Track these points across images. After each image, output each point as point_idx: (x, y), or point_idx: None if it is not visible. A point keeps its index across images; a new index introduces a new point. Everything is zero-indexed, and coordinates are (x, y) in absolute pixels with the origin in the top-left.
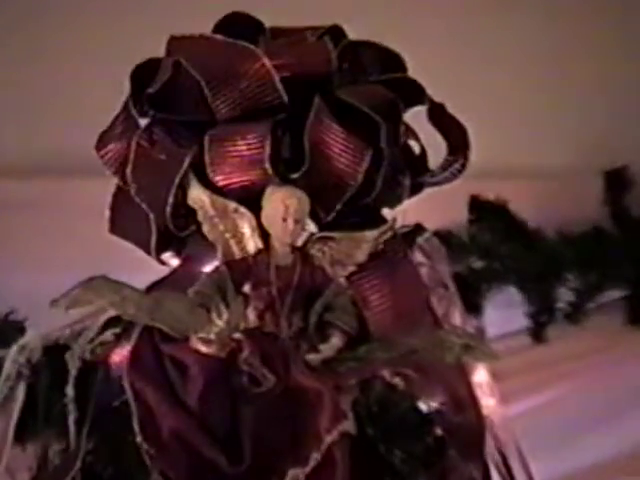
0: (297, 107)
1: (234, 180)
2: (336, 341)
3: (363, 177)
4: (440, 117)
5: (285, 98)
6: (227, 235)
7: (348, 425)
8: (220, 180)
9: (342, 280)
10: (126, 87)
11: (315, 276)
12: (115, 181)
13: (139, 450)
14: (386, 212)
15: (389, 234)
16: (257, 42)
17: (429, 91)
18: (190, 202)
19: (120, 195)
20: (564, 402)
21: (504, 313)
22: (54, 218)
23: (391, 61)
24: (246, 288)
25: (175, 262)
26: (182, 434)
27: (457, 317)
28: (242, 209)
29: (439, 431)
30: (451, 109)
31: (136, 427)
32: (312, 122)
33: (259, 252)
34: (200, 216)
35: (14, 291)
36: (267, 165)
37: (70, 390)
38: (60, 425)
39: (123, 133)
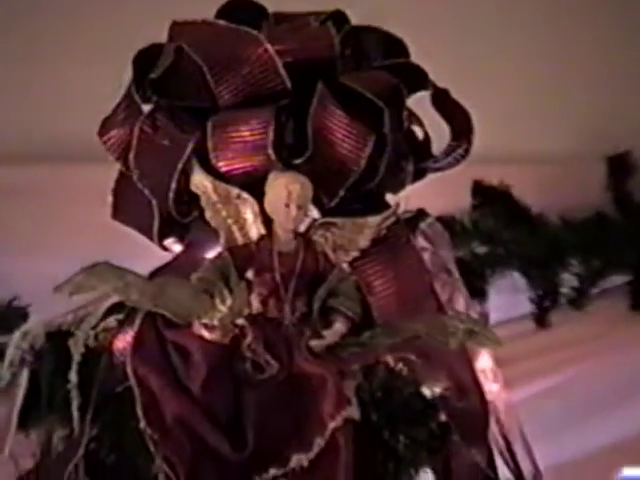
0: (300, 93)
1: (237, 166)
2: (339, 327)
3: (366, 163)
4: (443, 102)
5: (288, 84)
6: (230, 221)
7: (352, 411)
8: (223, 166)
9: (345, 266)
10: (128, 73)
11: (318, 262)
12: (118, 167)
13: (142, 436)
14: (389, 197)
15: (392, 219)
16: (260, 27)
17: (432, 77)
18: (193, 188)
19: (123, 181)
20: (567, 387)
21: (507, 298)
22: (57, 204)
23: (394, 46)
24: (249, 274)
25: (178, 248)
26: (185, 420)
27: (461, 302)
28: (245, 195)
29: (443, 416)
30: (454, 94)
31: (139, 413)
32: (315, 108)
33: (262, 238)
34: (203, 202)
35: (17, 277)
36: (270, 151)
37: (73, 376)
38: (63, 411)
39: (126, 119)
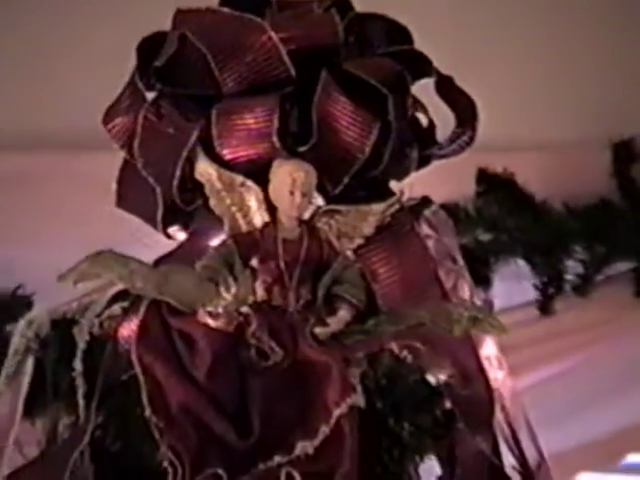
0: (304, 80)
1: (241, 154)
2: (344, 314)
3: (371, 150)
4: (448, 89)
5: (292, 71)
6: (234, 209)
7: (356, 398)
8: (227, 154)
9: (349, 253)
10: (132, 60)
11: (322, 249)
12: (122, 155)
13: (148, 424)
14: (393, 185)
15: (396, 207)
16: (263, 15)
17: (436, 64)
18: (197, 176)
19: (127, 169)
20: (572, 374)
21: (512, 285)
22: (61, 192)
23: (398, 33)
24: (254, 262)
25: (182, 236)
26: (191, 408)
27: (465, 290)
28: (249, 182)
29: (447, 404)
30: (459, 82)
31: (145, 401)
32: (320, 95)
33: (266, 226)
34: (207, 190)
35: (21, 266)
36: (275, 138)
37: (78, 364)
38: (69, 399)
39: (130, 107)
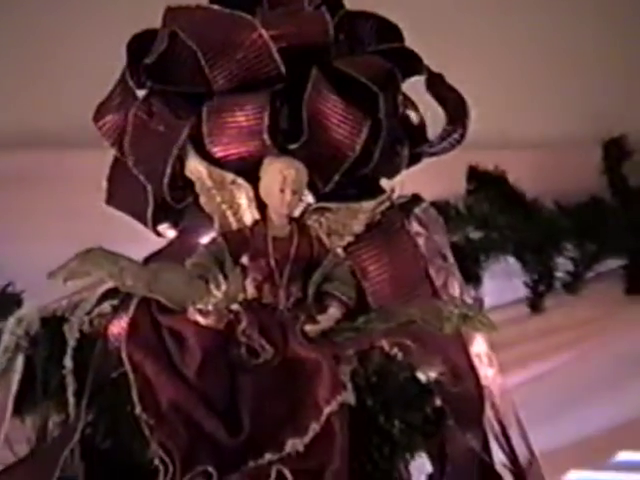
0: (295, 78)
1: (232, 151)
2: (334, 312)
3: (361, 148)
4: (438, 87)
5: (283, 69)
6: (224, 206)
7: (347, 396)
8: (218, 151)
9: (339, 251)
10: (122, 58)
11: (313, 247)
12: (113, 152)
13: (138, 421)
14: (384, 182)
15: (386, 204)
16: (254, 12)
17: (427, 61)
18: (188, 173)
19: (118, 166)
20: (562, 371)
21: (502, 283)
22: (52, 190)
23: (388, 31)
24: (244, 259)
25: (172, 234)
26: (181, 405)
27: (455, 287)
28: (240, 180)
29: (438, 401)
30: (449, 79)
31: (135, 398)
32: (310, 93)
33: (256, 223)
34: (197, 187)
35: (11, 264)
36: (265, 136)
37: (68, 362)
38: (59, 397)
39: (121, 104)
